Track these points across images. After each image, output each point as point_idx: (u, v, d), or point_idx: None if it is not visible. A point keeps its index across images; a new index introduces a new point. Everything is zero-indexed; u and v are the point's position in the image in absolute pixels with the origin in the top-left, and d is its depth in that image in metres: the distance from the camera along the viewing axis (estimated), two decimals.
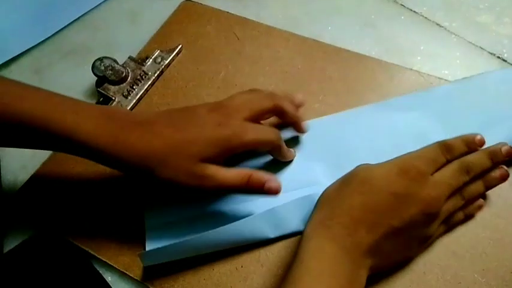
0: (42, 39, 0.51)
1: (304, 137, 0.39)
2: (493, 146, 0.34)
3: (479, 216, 0.35)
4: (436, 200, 0.30)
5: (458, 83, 0.40)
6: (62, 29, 0.52)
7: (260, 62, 0.45)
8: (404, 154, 0.32)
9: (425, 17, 0.47)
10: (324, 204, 0.31)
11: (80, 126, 0.31)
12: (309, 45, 0.45)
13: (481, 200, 0.34)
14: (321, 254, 0.29)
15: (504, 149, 0.33)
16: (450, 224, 0.34)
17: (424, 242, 0.33)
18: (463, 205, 0.34)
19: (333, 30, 0.47)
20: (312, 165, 0.37)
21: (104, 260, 0.36)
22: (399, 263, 0.33)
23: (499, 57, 0.43)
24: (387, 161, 0.32)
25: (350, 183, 0.31)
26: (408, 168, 0.31)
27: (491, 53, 0.43)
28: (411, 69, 0.42)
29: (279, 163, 0.38)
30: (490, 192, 0.35)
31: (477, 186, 0.34)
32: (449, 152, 0.33)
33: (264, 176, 0.32)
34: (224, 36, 0.47)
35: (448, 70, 0.42)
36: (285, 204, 0.34)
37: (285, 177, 0.37)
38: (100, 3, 0.53)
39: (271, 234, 0.34)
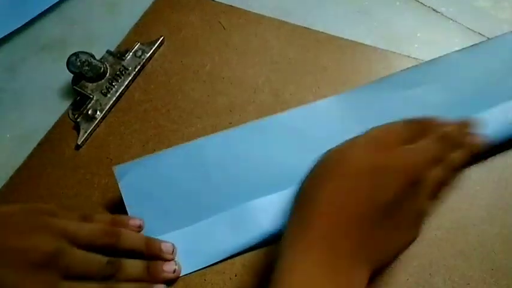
0: (13, 29, 0.47)
1: (296, 128, 0.36)
2: (466, 118, 0.32)
3: (486, 211, 0.33)
4: (415, 166, 0.27)
5: (467, 50, 0.38)
6: (35, 21, 0.48)
7: (248, 52, 0.42)
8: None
9: (421, 3, 0.45)
10: (296, 207, 0.28)
11: None
12: (300, 33, 0.43)
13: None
14: (292, 276, 0.25)
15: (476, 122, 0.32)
16: (436, 196, 0.30)
17: (420, 217, 0.29)
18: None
19: (325, 18, 0.44)
20: (308, 157, 0.32)
21: None
22: (404, 249, 0.29)
23: None
24: (352, 139, 0.29)
25: (320, 173, 0.28)
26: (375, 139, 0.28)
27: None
28: (409, 56, 0.41)
29: (277, 158, 0.35)
30: (496, 185, 0.34)
31: (460, 154, 0.30)
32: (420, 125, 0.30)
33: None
34: (209, 26, 0.45)
35: None
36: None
37: (280, 173, 0.35)
38: None
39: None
